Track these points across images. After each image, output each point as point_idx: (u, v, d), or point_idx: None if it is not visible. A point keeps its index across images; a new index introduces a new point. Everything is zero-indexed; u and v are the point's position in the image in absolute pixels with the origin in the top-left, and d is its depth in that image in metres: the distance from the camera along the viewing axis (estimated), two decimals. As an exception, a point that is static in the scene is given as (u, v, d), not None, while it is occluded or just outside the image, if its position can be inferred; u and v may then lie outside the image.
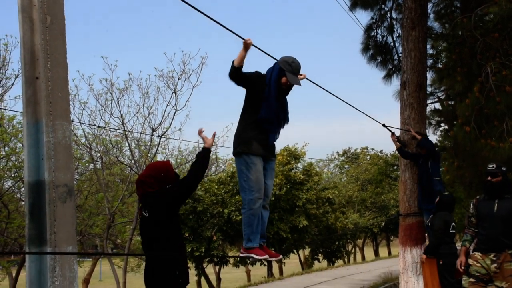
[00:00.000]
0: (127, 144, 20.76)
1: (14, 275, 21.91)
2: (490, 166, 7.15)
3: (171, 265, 4.92)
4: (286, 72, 5.07)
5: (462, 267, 7.05)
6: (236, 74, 4.98)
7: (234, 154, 5.27)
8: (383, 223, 32.05)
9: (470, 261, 7.00)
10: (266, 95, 5.09)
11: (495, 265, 6.75)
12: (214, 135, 5.10)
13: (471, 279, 6.90)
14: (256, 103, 5.15)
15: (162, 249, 4.85)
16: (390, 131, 10.22)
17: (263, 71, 5.34)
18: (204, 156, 4.97)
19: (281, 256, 6.03)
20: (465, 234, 7.34)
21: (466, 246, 7.21)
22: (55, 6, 3.62)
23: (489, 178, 7.03)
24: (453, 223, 9.19)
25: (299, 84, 5.18)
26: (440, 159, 10.28)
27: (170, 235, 4.83)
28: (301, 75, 5.37)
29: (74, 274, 3.51)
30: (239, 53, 4.86)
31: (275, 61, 5.25)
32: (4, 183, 21.63)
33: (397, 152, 10.52)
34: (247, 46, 4.81)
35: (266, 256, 5.16)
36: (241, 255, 5.20)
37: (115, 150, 21.64)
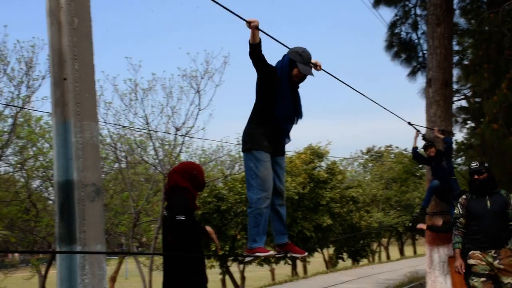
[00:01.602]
0: (151, 144, 20.86)
1: (43, 272, 22.17)
2: (473, 164, 7.22)
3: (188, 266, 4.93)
4: (298, 63, 4.80)
5: (463, 270, 6.98)
6: (255, 52, 4.66)
7: (243, 150, 5.00)
8: (409, 222, 31.79)
9: (472, 261, 6.92)
10: (279, 90, 4.83)
11: (498, 261, 6.77)
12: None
13: (482, 279, 6.82)
14: (268, 97, 4.88)
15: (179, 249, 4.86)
16: (416, 129, 10.10)
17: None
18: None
19: (306, 253, 5.74)
20: (455, 236, 7.23)
21: (459, 248, 7.13)
22: (82, 8, 3.65)
23: (475, 176, 7.07)
24: None
25: (312, 74, 4.94)
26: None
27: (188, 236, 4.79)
28: (314, 64, 5.04)
29: (103, 272, 3.55)
30: (251, 33, 4.53)
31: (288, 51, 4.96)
32: (33, 183, 21.90)
33: (411, 150, 10.40)
34: (251, 28, 4.49)
35: (271, 252, 4.93)
36: (246, 258, 5.03)
37: (139, 149, 21.77)
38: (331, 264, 32.90)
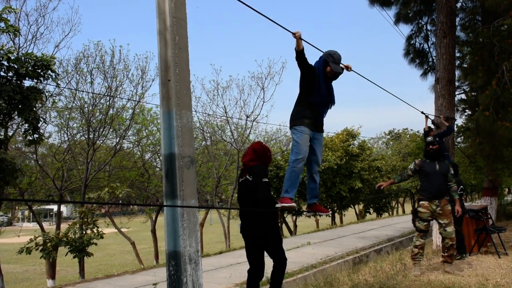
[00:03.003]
0: (228, 127, 21.11)
1: (154, 218, 22.87)
2: (429, 138, 7.63)
3: (262, 219, 5.02)
4: (330, 63, 4.74)
5: (380, 187, 7.46)
6: (300, 57, 4.63)
7: (290, 127, 4.91)
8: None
9: (421, 209, 7.32)
10: (316, 83, 4.76)
11: (439, 208, 7.21)
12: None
13: (425, 223, 7.33)
14: (309, 88, 4.79)
15: (260, 206, 4.95)
16: (426, 116, 9.92)
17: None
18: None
19: (330, 212, 5.57)
20: (399, 175, 7.76)
21: (393, 180, 7.68)
22: (181, 29, 3.68)
23: (430, 147, 7.41)
24: (462, 186, 9.15)
25: (341, 71, 4.85)
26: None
27: (265, 196, 4.93)
28: (346, 66, 5.02)
29: (196, 219, 3.60)
30: (296, 42, 4.51)
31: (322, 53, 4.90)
32: (145, 155, 22.55)
33: (423, 132, 10.19)
34: (296, 37, 4.46)
35: (293, 205, 4.65)
36: (277, 205, 4.72)
37: (220, 131, 22.04)
38: (361, 216, 32.66)
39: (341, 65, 4.88)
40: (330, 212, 5.20)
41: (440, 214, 7.24)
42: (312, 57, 4.91)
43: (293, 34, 4.45)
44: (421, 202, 7.37)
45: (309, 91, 4.80)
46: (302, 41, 4.53)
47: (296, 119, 4.81)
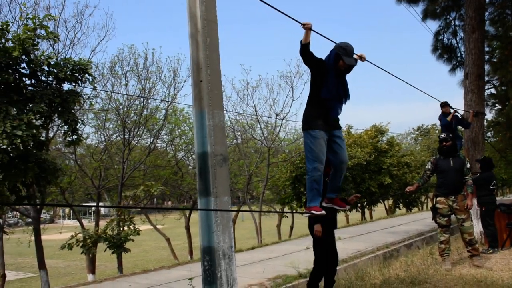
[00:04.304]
0: (258, 125, 21.12)
1: (188, 215, 23.13)
2: (442, 135, 7.57)
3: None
4: (342, 56, 4.28)
5: (408, 191, 7.62)
6: (304, 50, 4.21)
7: (303, 130, 4.49)
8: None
9: (439, 205, 7.36)
10: (327, 77, 4.33)
11: (455, 203, 7.22)
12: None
13: (446, 218, 7.34)
14: (319, 85, 4.37)
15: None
16: (455, 111, 9.78)
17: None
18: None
19: (348, 207, 5.12)
20: (420, 179, 7.81)
21: (418, 183, 7.74)
22: (211, 31, 3.71)
23: (444, 143, 7.40)
24: (495, 181, 9.06)
25: (354, 63, 4.42)
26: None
27: None
28: (360, 56, 4.56)
29: (229, 215, 3.63)
30: (304, 34, 4.12)
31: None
32: (179, 154, 22.80)
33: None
34: (305, 28, 4.07)
35: (323, 212, 4.38)
36: (304, 214, 4.49)
37: (250, 130, 22.08)
38: (390, 211, 32.14)
39: (354, 56, 4.47)
40: (348, 207, 4.92)
41: (457, 210, 7.24)
42: (325, 52, 4.54)
43: (303, 25, 4.09)
44: (438, 198, 7.42)
45: (319, 87, 4.40)
46: (313, 33, 4.15)
47: (309, 121, 4.42)
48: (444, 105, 9.80)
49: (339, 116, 4.58)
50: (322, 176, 4.39)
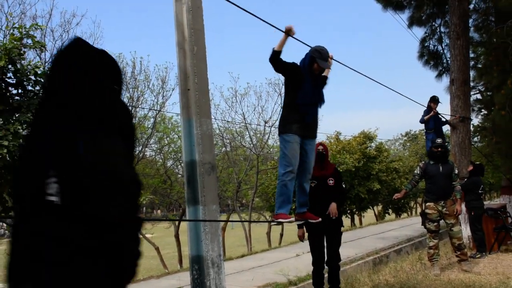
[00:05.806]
0: (247, 133, 21.15)
1: (177, 223, 22.98)
2: (438, 140, 7.59)
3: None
4: (317, 59, 4.24)
5: (396, 198, 7.60)
6: (275, 58, 4.12)
7: (278, 135, 4.44)
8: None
9: (428, 211, 7.33)
10: (302, 82, 4.26)
11: (445, 208, 7.21)
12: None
13: (434, 223, 7.34)
14: (294, 89, 4.29)
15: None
16: (437, 113, 9.77)
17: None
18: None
19: (320, 219, 4.84)
20: (409, 183, 7.78)
21: (406, 190, 7.69)
22: (199, 40, 3.72)
23: (439, 149, 7.40)
24: (482, 185, 9.11)
25: (328, 67, 4.44)
26: None
27: None
28: (331, 58, 4.53)
29: (218, 223, 3.62)
30: (280, 39, 4.08)
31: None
32: (167, 162, 22.71)
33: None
34: (288, 32, 4.05)
35: (292, 219, 4.29)
36: (272, 223, 4.40)
37: (239, 137, 22.08)
38: (379, 217, 32.32)
39: (329, 60, 4.45)
40: (320, 219, 4.70)
41: (446, 215, 7.27)
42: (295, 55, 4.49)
43: (286, 27, 4.05)
44: (427, 204, 7.43)
45: (294, 92, 4.32)
46: (292, 40, 4.13)
47: (283, 126, 4.34)
48: (432, 100, 9.68)
49: (318, 122, 4.55)
50: (293, 182, 4.33)
